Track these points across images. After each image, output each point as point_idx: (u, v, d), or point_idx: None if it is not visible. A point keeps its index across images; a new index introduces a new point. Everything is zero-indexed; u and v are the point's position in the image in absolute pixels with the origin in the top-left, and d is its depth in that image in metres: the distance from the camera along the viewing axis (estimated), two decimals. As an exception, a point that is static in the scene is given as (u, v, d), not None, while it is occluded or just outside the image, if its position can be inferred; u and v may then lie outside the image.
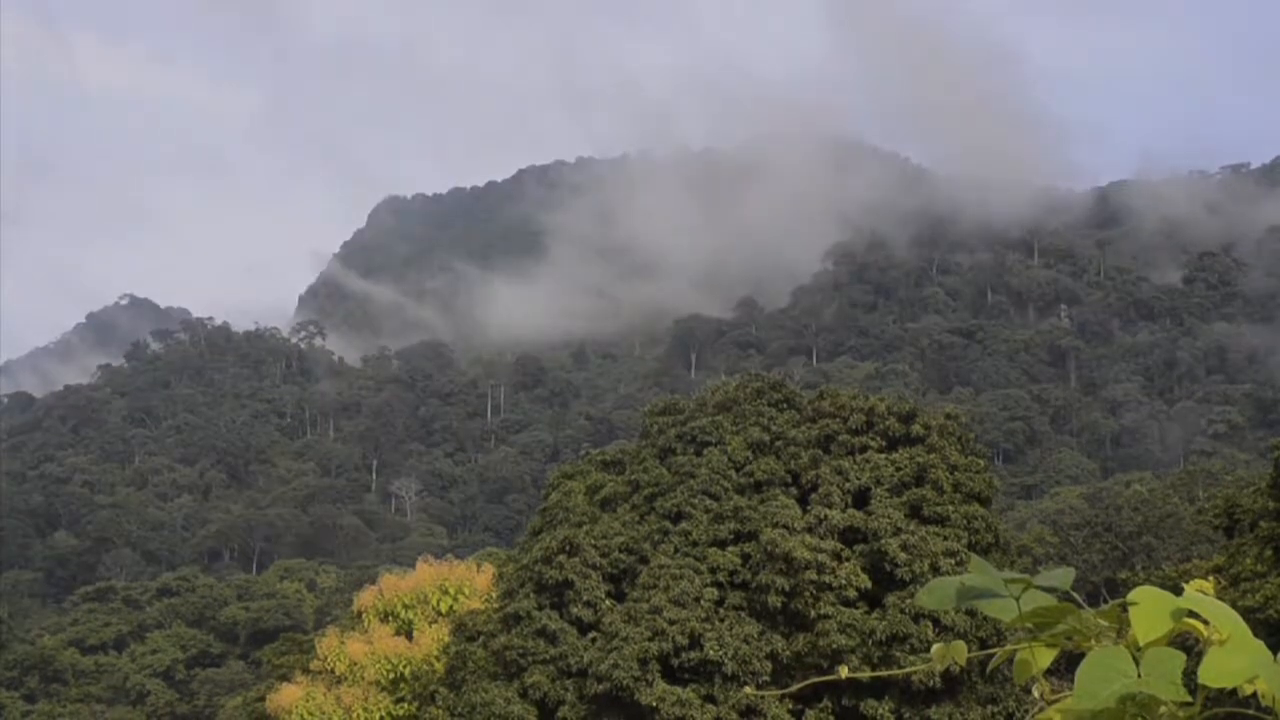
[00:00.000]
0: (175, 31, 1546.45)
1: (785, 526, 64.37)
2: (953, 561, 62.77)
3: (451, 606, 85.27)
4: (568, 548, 66.87)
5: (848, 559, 64.43)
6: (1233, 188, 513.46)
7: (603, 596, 66.08)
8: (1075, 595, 3.61)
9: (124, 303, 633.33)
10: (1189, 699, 3.30)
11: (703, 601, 63.78)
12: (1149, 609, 3.42)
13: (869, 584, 63.79)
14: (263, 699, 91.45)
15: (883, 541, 63.97)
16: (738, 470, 69.37)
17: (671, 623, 62.54)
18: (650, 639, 62.36)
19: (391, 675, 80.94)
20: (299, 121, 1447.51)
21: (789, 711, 62.10)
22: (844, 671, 4.02)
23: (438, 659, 77.38)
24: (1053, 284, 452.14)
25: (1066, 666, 3.66)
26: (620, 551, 67.20)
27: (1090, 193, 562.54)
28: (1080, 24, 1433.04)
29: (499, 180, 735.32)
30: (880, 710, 61.30)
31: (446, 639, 76.71)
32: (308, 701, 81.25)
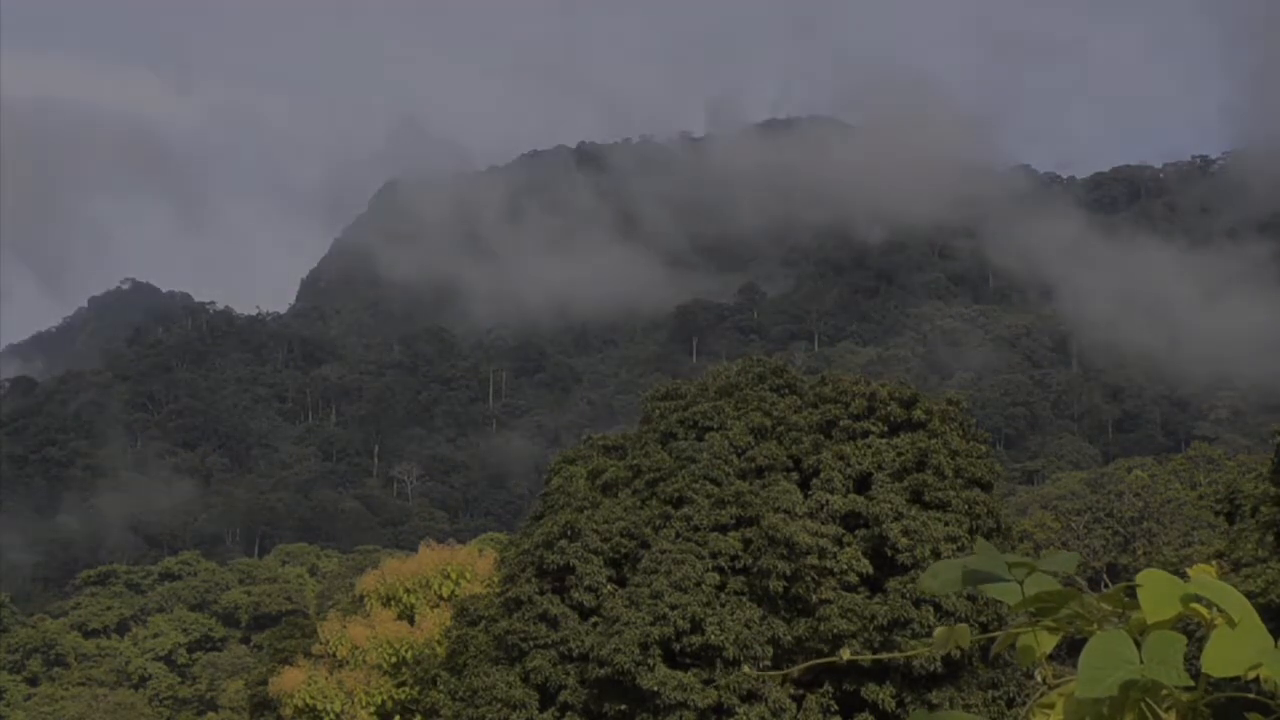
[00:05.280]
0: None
1: (787, 511, 64.39)
2: (954, 547, 62.81)
3: (453, 591, 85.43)
4: (569, 532, 66.90)
5: (849, 544, 64.46)
6: (1230, 172, 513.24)
7: (604, 581, 66.12)
8: (1078, 580, 3.62)
9: (126, 287, 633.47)
10: (1191, 684, 3.31)
11: (704, 586, 63.81)
12: (1156, 591, 3.43)
13: (870, 569, 63.83)
14: (265, 683, 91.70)
15: (884, 526, 64.00)
16: (739, 455, 69.35)
17: (673, 607, 62.60)
18: (651, 623, 62.43)
19: (393, 659, 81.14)
20: (295, 114, 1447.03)
21: (790, 696, 62.20)
22: (845, 655, 4.02)
23: (439, 643, 77.54)
24: (1052, 268, 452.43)
25: (1068, 651, 3.67)
26: (621, 536, 67.22)
27: (1092, 179, 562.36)
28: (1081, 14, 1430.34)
29: (501, 165, 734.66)
30: (881, 695, 61.40)
31: (448, 623, 76.87)
32: (310, 685, 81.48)
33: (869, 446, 68.26)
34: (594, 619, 65.10)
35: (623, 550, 67.22)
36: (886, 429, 69.53)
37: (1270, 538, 66.91)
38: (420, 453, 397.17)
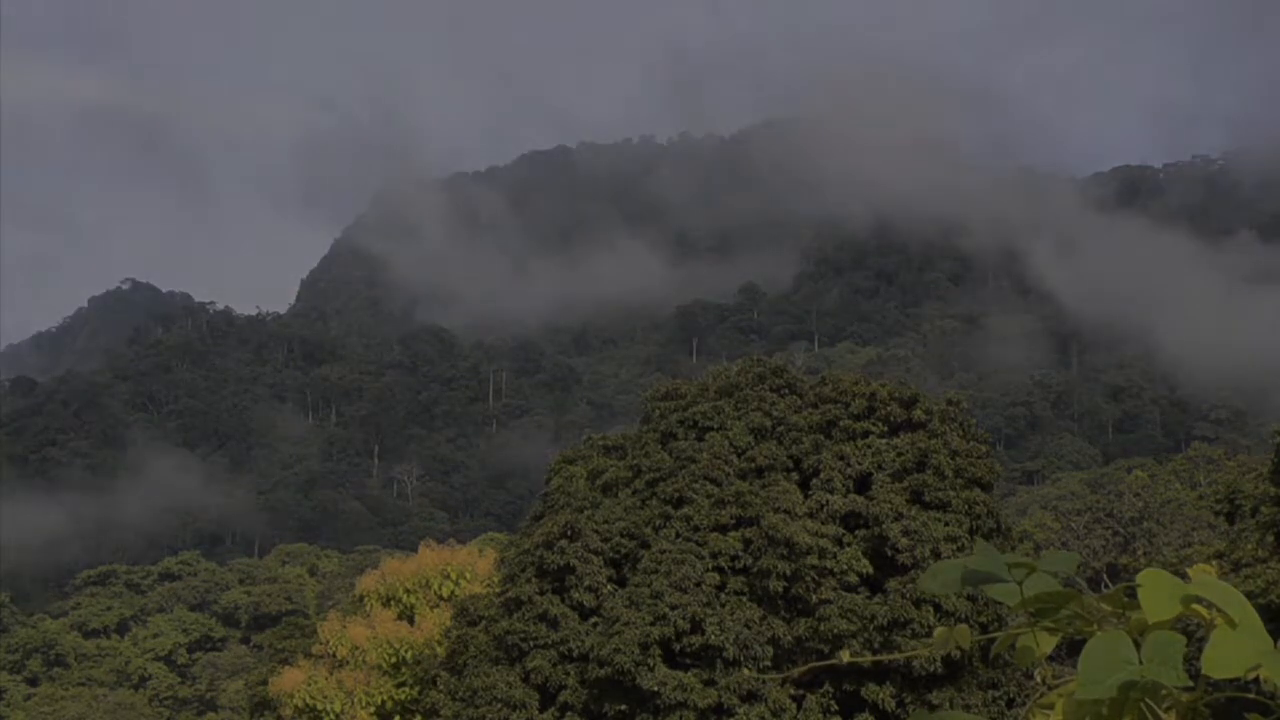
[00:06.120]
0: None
1: (787, 511, 64.36)
2: (954, 547, 62.80)
3: (453, 591, 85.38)
4: (569, 532, 66.86)
5: (849, 544, 64.43)
6: (1230, 172, 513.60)
7: (604, 581, 66.09)
8: (1078, 580, 3.61)
9: (126, 287, 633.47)
10: (1191, 684, 3.30)
11: (704, 586, 63.79)
12: (1156, 591, 3.42)
13: (870, 569, 63.80)
14: (265, 683, 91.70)
15: (884, 526, 63.97)
16: (739, 455, 69.31)
17: (673, 607, 62.58)
18: (651, 624, 62.42)
19: (393, 659, 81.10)
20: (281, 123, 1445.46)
21: (790, 696, 62.18)
22: (845, 656, 4.02)
23: (439, 643, 77.49)
24: (1052, 268, 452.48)
25: (1068, 651, 3.66)
26: (621, 536, 67.20)
27: (1093, 178, 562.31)
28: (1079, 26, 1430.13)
29: (501, 165, 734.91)
30: (881, 695, 61.38)
31: (448, 623, 76.79)
32: (310, 685, 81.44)
33: (869, 446, 68.23)
34: (594, 619, 65.09)
35: (623, 550, 67.21)
36: (886, 429, 69.50)
37: (1270, 538, 66.90)
38: (420, 453, 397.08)
